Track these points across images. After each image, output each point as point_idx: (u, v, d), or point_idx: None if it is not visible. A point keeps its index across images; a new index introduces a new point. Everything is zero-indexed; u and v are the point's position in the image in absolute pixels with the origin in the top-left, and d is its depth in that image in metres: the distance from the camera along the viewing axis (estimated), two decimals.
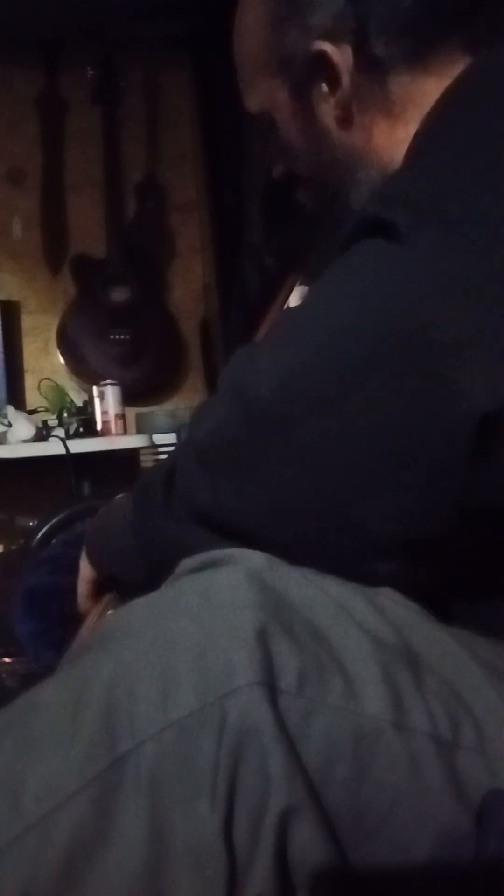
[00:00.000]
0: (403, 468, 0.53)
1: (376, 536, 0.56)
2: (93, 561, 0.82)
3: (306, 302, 0.61)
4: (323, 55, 0.69)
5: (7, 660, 1.02)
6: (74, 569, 1.08)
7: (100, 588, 0.84)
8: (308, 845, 0.44)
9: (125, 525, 0.70)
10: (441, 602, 0.58)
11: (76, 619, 0.86)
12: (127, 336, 2.50)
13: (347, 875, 0.45)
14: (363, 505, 0.55)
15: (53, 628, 0.94)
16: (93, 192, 2.58)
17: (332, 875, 0.44)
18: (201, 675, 0.46)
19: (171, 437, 2.41)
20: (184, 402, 2.66)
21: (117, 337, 2.49)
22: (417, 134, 0.67)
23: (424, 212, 0.53)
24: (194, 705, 0.46)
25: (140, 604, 0.53)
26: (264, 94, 0.77)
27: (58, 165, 2.62)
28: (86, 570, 0.83)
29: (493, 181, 0.53)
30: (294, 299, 0.98)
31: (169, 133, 2.69)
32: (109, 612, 0.76)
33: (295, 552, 0.57)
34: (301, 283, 0.98)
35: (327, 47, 0.69)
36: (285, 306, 1.00)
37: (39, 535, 1.48)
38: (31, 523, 1.82)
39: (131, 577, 0.72)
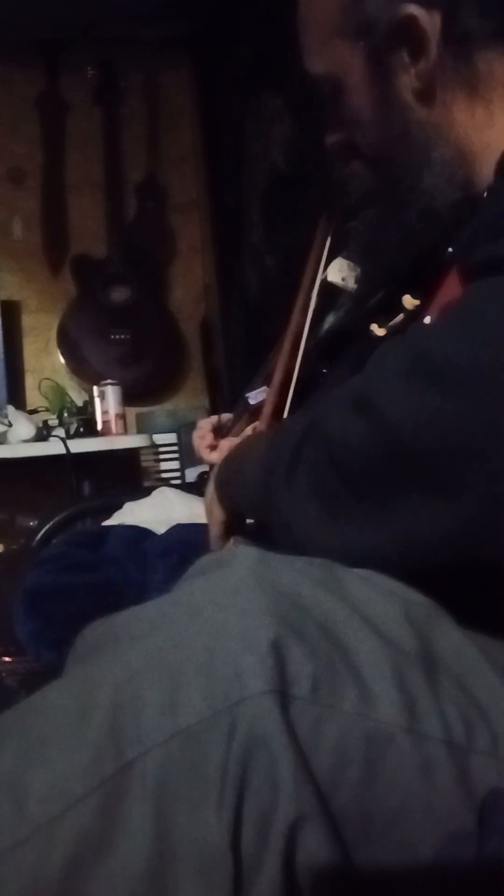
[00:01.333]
0: None
1: None
2: (225, 503, 0.78)
3: (452, 327, 0.55)
4: (412, 20, 0.65)
5: (7, 659, 1.02)
6: (75, 569, 1.08)
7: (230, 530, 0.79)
8: (315, 854, 0.44)
9: (256, 479, 0.66)
10: (453, 604, 0.57)
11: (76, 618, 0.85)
12: (127, 336, 2.50)
13: (355, 884, 0.45)
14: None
15: (53, 628, 0.94)
16: (93, 192, 2.59)
17: (339, 884, 0.44)
18: (211, 682, 0.46)
19: (171, 437, 2.41)
20: (184, 402, 2.66)
21: (117, 337, 2.49)
22: None
23: None
24: (203, 712, 0.45)
25: (149, 606, 0.52)
26: (335, 58, 0.72)
27: (58, 165, 2.62)
28: (217, 512, 0.79)
29: None
30: (333, 272, 0.92)
31: (169, 133, 2.69)
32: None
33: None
34: (342, 257, 0.93)
35: (417, 12, 0.65)
36: (321, 275, 0.93)
37: (39, 535, 1.48)
38: (31, 523, 1.82)
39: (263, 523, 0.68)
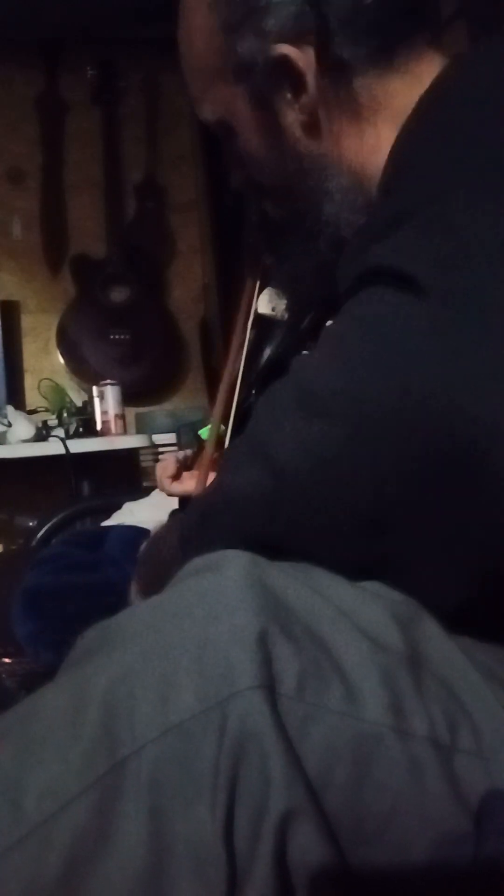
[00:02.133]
0: (446, 548, 0.54)
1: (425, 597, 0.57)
2: (145, 591, 0.79)
3: (324, 356, 0.58)
4: (285, 60, 0.65)
5: (6, 660, 1.02)
6: (74, 569, 1.08)
7: None
8: (308, 848, 0.44)
9: (173, 559, 0.68)
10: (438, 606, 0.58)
11: (75, 619, 0.85)
12: (127, 336, 2.50)
13: (347, 878, 0.45)
14: (413, 572, 0.56)
15: (52, 628, 0.94)
16: (93, 192, 2.59)
17: (331, 878, 0.44)
18: (202, 678, 0.46)
19: (170, 437, 2.41)
20: (183, 402, 2.66)
21: (117, 337, 2.49)
22: (399, 145, 0.65)
23: (449, 268, 0.51)
24: (195, 708, 0.46)
25: (141, 608, 0.53)
26: (220, 103, 0.72)
27: (58, 165, 2.62)
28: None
29: None
30: (263, 304, 0.94)
31: (169, 133, 2.69)
32: None
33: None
34: (269, 287, 0.94)
35: (289, 51, 0.65)
36: (252, 311, 0.96)
37: (39, 535, 1.48)
38: (30, 523, 1.82)
39: None
